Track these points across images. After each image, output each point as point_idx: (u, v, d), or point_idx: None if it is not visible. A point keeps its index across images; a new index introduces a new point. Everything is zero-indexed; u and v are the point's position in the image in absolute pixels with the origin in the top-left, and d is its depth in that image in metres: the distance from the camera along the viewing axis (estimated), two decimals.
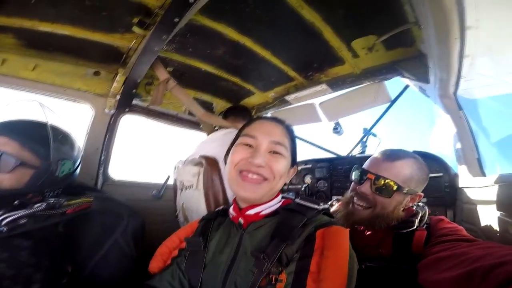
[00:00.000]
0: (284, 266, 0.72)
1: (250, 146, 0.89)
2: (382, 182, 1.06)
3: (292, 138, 0.97)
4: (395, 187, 1.04)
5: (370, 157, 1.19)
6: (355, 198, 1.13)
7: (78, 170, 1.25)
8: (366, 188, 1.09)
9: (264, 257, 0.71)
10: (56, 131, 1.12)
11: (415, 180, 1.08)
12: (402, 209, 1.09)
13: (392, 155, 1.11)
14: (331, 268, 0.67)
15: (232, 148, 0.96)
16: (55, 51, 1.59)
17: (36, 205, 0.96)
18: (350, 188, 1.19)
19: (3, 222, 0.87)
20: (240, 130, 1.00)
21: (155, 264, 0.97)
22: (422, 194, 1.12)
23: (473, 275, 0.61)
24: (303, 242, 0.75)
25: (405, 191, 1.05)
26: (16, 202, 0.96)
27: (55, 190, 1.11)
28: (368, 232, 1.15)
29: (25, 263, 0.87)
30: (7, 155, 0.97)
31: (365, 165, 1.17)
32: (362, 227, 1.17)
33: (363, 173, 1.12)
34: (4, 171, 0.97)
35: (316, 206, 0.85)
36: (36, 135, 1.05)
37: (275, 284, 0.69)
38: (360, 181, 1.12)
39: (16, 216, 0.89)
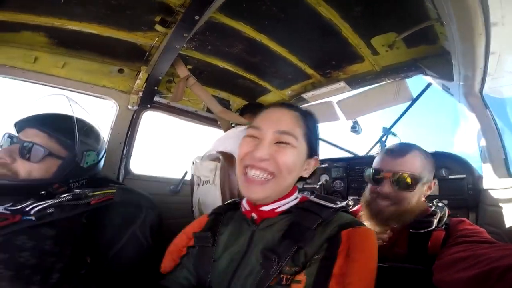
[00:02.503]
0: (299, 266, 0.67)
1: (255, 138, 0.81)
2: (402, 178, 1.06)
3: (308, 125, 0.85)
4: (415, 179, 1.06)
5: (378, 156, 1.19)
6: (378, 200, 1.12)
7: (102, 162, 1.29)
8: (387, 187, 1.08)
9: (276, 258, 0.67)
10: (82, 123, 1.17)
11: (427, 168, 1.10)
12: (423, 199, 1.12)
13: (400, 151, 1.12)
14: (360, 272, 0.62)
15: None
16: (82, 49, 1.68)
17: (63, 195, 0.99)
18: (369, 190, 1.18)
19: (32, 211, 0.89)
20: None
21: (166, 264, 0.94)
22: (436, 181, 1.15)
23: (489, 275, 0.60)
24: (326, 242, 0.68)
25: (424, 181, 1.08)
26: (43, 192, 1.00)
27: (80, 180, 1.16)
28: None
29: (48, 252, 0.88)
30: (37, 145, 1.02)
31: (377, 164, 1.16)
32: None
33: (378, 172, 1.12)
34: (34, 161, 1.02)
35: (332, 205, 0.77)
36: (63, 127, 1.10)
37: (288, 285, 0.65)
38: (377, 181, 1.12)
39: (44, 205, 0.92)
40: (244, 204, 0.90)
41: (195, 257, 0.86)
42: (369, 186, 1.19)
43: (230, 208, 0.97)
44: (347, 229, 0.68)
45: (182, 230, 1.00)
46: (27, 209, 0.90)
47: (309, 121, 0.86)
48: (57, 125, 1.09)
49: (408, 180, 1.06)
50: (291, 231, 0.72)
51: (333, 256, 0.64)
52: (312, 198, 0.84)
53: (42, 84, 1.65)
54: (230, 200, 1.03)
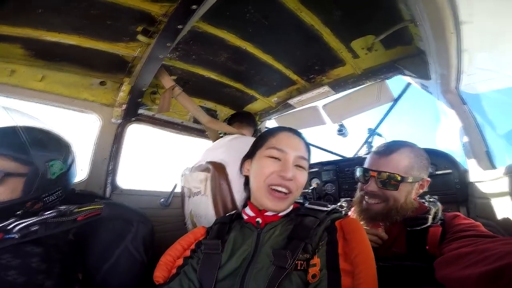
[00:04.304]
0: (309, 253, 0.80)
1: (277, 159, 0.95)
2: (385, 177, 1.10)
3: (309, 152, 1.05)
4: (398, 178, 1.08)
5: (369, 155, 1.24)
6: (366, 197, 1.17)
7: (74, 169, 1.19)
8: (372, 186, 1.13)
9: (288, 253, 0.78)
10: (33, 132, 1.06)
11: (416, 167, 1.12)
12: (414, 197, 1.13)
13: (387, 150, 1.15)
14: (359, 246, 0.74)
15: (256, 159, 1.01)
16: (61, 61, 1.62)
17: (47, 212, 0.96)
18: (358, 188, 1.24)
19: (15, 229, 0.87)
20: (261, 138, 1.05)
21: (159, 274, 0.96)
22: (429, 179, 1.16)
23: (502, 273, 0.59)
24: (325, 231, 0.84)
25: (410, 180, 1.09)
26: (18, 213, 0.95)
27: (53, 193, 1.07)
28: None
29: (36, 269, 0.86)
30: None
31: (366, 163, 1.21)
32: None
33: (365, 172, 1.17)
34: None
35: (325, 208, 0.92)
36: (13, 142, 0.99)
37: (305, 269, 0.78)
38: (365, 180, 1.17)
39: (27, 222, 0.89)
40: (248, 212, 1.01)
41: (201, 264, 0.92)
42: (359, 185, 1.24)
43: (232, 219, 1.06)
44: (339, 220, 0.85)
45: (176, 241, 1.05)
46: (9, 227, 0.87)
47: (309, 148, 1.05)
48: (6, 141, 0.99)
49: (392, 179, 1.09)
50: (296, 232, 0.85)
51: (335, 239, 0.79)
52: (307, 204, 0.98)
53: (20, 99, 1.57)
54: (232, 212, 1.13)
